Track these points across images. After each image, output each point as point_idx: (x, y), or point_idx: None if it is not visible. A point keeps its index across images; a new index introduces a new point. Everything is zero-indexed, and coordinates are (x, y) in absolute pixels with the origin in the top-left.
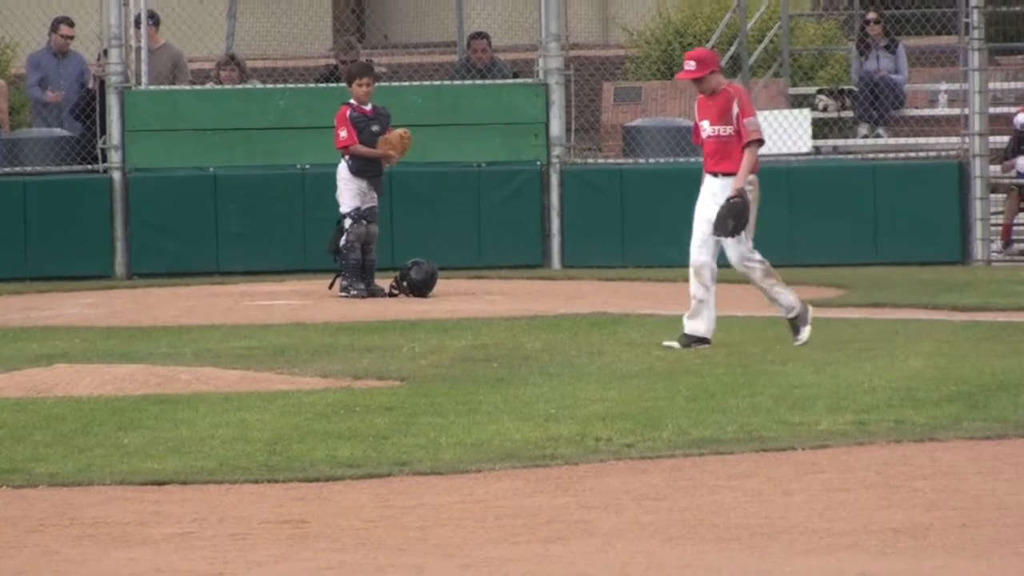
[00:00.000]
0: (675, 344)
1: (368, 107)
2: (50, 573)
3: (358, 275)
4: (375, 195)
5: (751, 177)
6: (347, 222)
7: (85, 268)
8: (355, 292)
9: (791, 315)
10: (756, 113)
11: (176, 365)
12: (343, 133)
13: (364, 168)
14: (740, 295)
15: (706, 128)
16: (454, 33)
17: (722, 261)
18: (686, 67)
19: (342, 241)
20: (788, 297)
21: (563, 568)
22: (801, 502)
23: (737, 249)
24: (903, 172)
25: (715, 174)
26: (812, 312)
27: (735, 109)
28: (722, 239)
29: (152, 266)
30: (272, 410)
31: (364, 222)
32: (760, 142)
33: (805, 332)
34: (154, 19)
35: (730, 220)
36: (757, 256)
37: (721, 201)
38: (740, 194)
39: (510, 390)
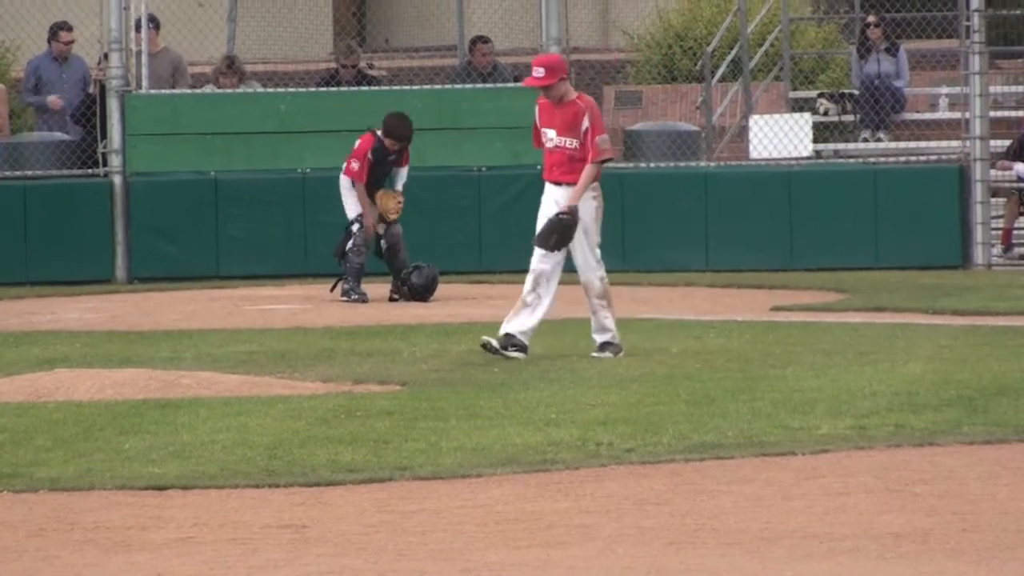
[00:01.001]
0: (493, 340)
1: None
2: None
3: (360, 279)
4: None
5: (595, 185)
6: (355, 227)
7: (86, 272)
8: (356, 296)
9: (604, 339)
10: (606, 129)
11: (177, 369)
12: (355, 165)
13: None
14: (733, 300)
15: (552, 138)
16: (455, 37)
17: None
18: (534, 73)
19: (348, 245)
20: (611, 323)
21: (564, 573)
22: (801, 507)
23: (585, 257)
24: (904, 176)
25: (558, 183)
26: (622, 354)
27: (585, 124)
28: (572, 245)
29: (153, 270)
30: (273, 415)
31: (384, 225)
32: (609, 160)
33: (607, 354)
34: (154, 23)
35: (554, 235)
36: (601, 271)
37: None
38: (571, 211)
39: (511, 395)
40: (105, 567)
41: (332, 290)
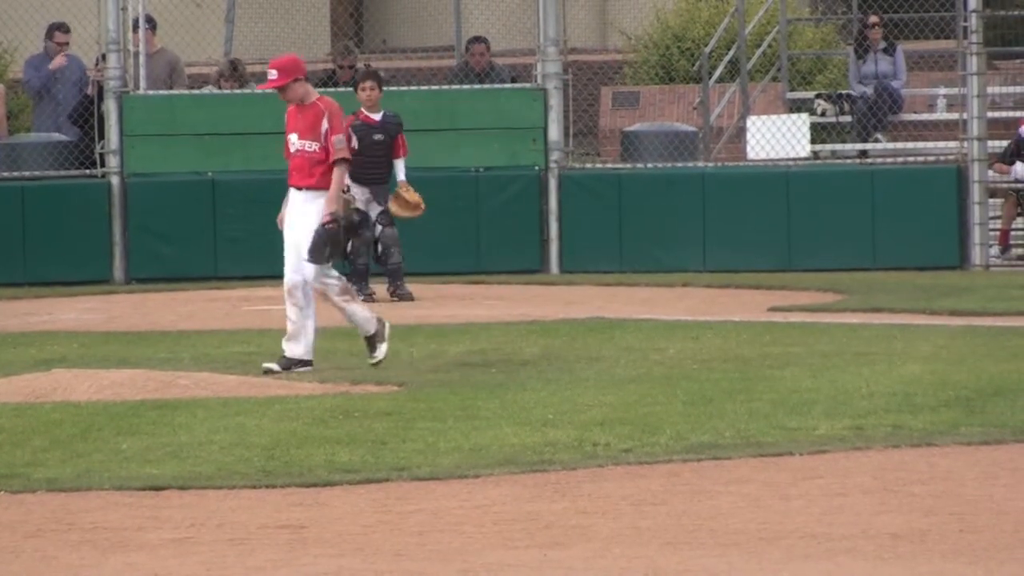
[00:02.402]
0: (275, 366)
1: (377, 115)
2: None
3: (365, 279)
4: (381, 201)
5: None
6: None
7: (83, 273)
8: (363, 297)
9: (367, 334)
10: (344, 130)
11: (174, 370)
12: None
13: (358, 175)
14: (730, 300)
15: (294, 142)
16: (452, 38)
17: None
18: (269, 76)
19: (348, 248)
20: (364, 314)
21: (561, 573)
22: (799, 507)
23: (313, 265)
24: (901, 177)
25: (299, 188)
26: (389, 328)
27: (324, 125)
28: (292, 243)
29: (150, 271)
30: (270, 415)
31: (379, 227)
32: (347, 161)
33: (382, 349)
34: (151, 23)
35: (326, 248)
36: (334, 273)
37: (309, 218)
38: (333, 218)
39: (508, 395)
40: (102, 567)
41: None
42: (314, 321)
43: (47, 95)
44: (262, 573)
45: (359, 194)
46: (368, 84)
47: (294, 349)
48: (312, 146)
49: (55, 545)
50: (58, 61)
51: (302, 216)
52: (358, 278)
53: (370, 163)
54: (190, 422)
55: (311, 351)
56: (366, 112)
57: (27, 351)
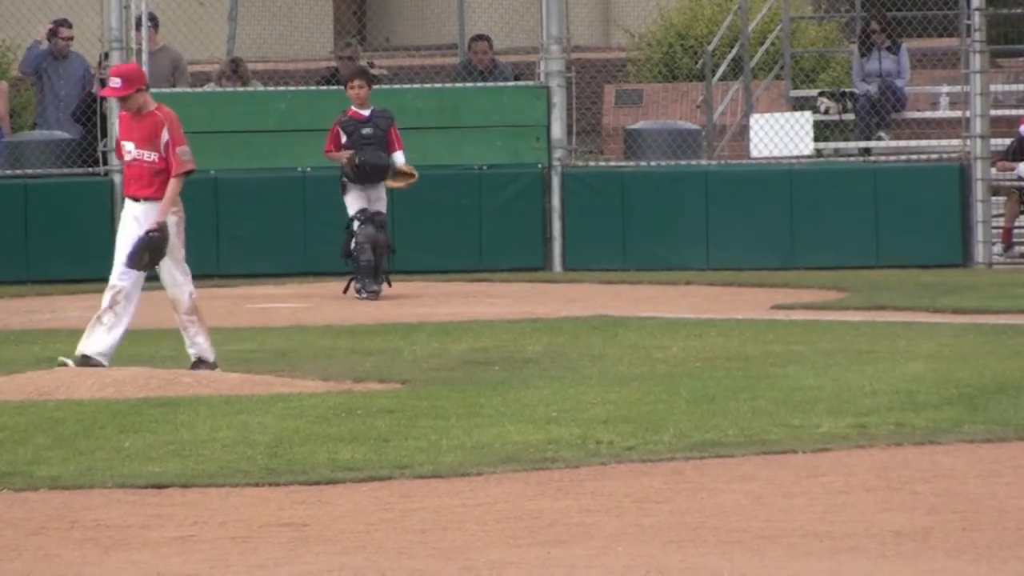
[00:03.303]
0: (70, 361)
1: (366, 111)
2: None
3: (371, 276)
4: (382, 200)
5: (176, 199)
6: (355, 224)
7: (86, 271)
8: (367, 294)
9: (197, 354)
10: (186, 140)
11: (177, 368)
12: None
13: (353, 173)
14: (733, 298)
15: (131, 151)
16: (455, 35)
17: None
18: (111, 83)
19: (351, 245)
20: (202, 339)
21: (564, 571)
22: (802, 505)
23: (172, 273)
24: (904, 175)
25: (136, 199)
26: (218, 369)
27: (165, 136)
28: (163, 262)
29: (152, 269)
30: (273, 413)
31: (375, 226)
32: (191, 172)
33: (202, 371)
34: (153, 22)
35: (146, 254)
36: (189, 287)
37: (144, 227)
38: (160, 227)
39: (511, 393)
40: (105, 565)
41: (345, 292)
42: (125, 329)
43: (46, 78)
44: (264, 571)
45: (356, 190)
46: (357, 82)
47: (91, 345)
48: (151, 156)
49: (57, 543)
50: (65, 35)
51: (141, 224)
52: (363, 275)
53: (365, 145)
54: (193, 420)
55: (112, 353)
56: (355, 109)
57: (30, 349)
